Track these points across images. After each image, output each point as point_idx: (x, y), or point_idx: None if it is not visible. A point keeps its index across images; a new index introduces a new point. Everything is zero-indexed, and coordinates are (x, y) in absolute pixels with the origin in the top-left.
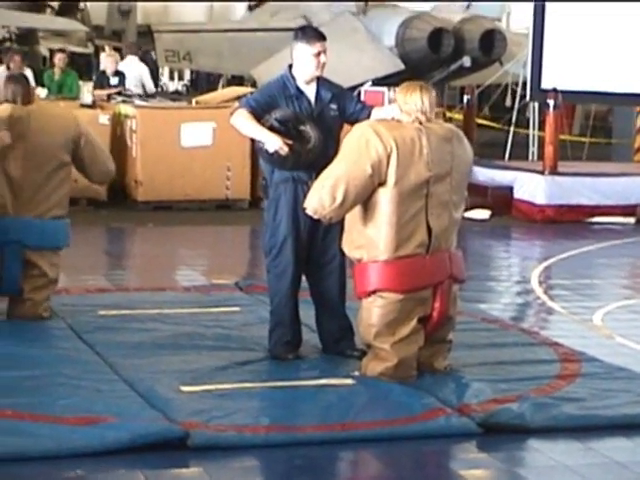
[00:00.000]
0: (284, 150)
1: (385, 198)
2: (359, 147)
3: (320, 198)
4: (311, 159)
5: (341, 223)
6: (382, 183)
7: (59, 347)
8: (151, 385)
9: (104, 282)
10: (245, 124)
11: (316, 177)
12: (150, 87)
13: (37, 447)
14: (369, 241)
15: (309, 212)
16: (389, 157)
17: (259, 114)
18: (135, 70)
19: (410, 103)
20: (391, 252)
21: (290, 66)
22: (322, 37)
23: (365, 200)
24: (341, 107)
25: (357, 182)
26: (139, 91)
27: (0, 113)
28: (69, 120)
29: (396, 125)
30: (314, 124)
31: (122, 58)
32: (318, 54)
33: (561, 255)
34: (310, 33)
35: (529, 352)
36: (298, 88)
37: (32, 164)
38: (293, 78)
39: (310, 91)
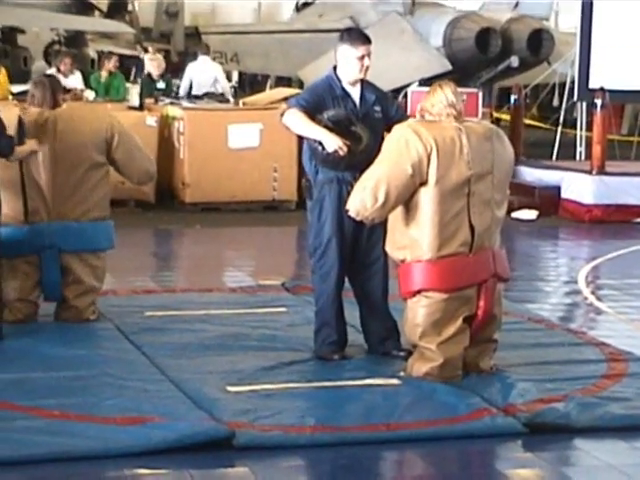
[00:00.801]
0: (344, 150)
1: (427, 198)
2: (399, 147)
3: (362, 199)
4: (362, 159)
5: (384, 224)
6: (423, 183)
7: (106, 348)
8: (198, 385)
9: (151, 283)
10: (300, 123)
11: (360, 178)
12: (225, 85)
13: (84, 447)
14: (412, 241)
15: (351, 213)
16: (429, 157)
17: (311, 114)
18: (210, 70)
19: (436, 104)
20: (434, 252)
21: (335, 67)
22: (367, 40)
23: (407, 200)
24: (384, 110)
25: (398, 182)
26: (215, 90)
27: (27, 118)
28: (101, 120)
29: (436, 125)
30: (363, 125)
31: (167, 60)
32: (362, 57)
33: (609, 255)
34: (355, 35)
35: (575, 352)
36: (344, 89)
37: (63, 167)
38: (338, 79)
39: (355, 93)
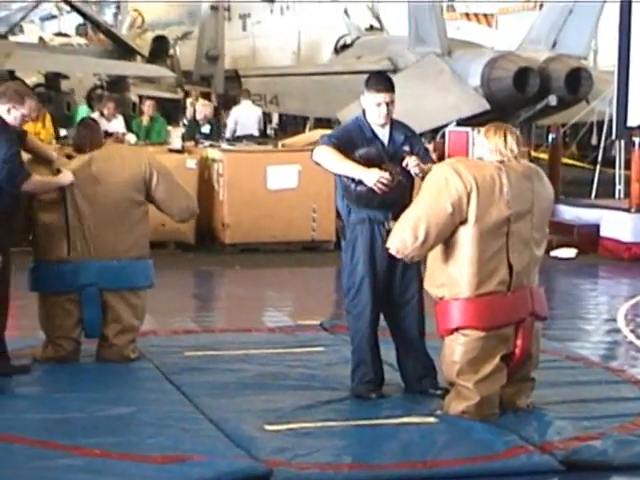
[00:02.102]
0: (386, 178)
1: (466, 236)
2: (439, 186)
3: (402, 238)
4: (395, 197)
5: (419, 262)
6: (463, 221)
7: (146, 387)
8: (236, 424)
9: (191, 324)
10: (333, 159)
11: (393, 217)
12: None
13: None
14: (451, 279)
15: (392, 252)
16: (469, 195)
17: (342, 151)
18: (254, 113)
19: (502, 147)
20: (473, 290)
21: (364, 110)
22: (385, 88)
23: (446, 239)
24: (412, 149)
25: (438, 220)
26: (256, 133)
27: (63, 160)
28: (139, 159)
29: (476, 164)
30: (393, 163)
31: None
32: (379, 104)
33: None
34: (372, 82)
35: (613, 390)
36: (373, 131)
37: (102, 206)
38: (367, 121)
39: (384, 134)
